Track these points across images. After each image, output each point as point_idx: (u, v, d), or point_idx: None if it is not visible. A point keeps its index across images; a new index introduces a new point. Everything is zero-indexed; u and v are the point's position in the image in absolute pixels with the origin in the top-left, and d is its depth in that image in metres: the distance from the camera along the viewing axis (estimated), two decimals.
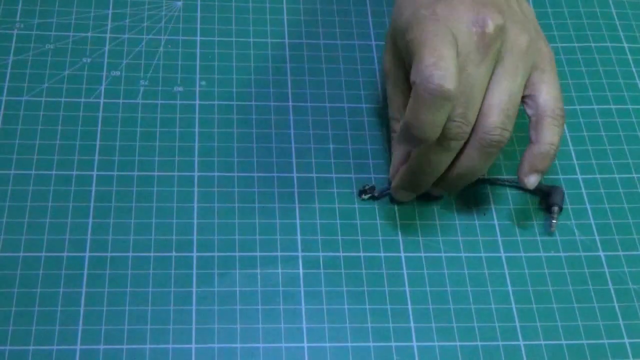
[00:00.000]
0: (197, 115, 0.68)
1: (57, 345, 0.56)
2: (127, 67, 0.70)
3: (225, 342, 0.57)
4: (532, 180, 0.61)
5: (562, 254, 0.63)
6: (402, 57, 0.62)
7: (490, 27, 0.59)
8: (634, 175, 0.68)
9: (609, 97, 0.73)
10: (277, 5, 0.76)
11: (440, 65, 0.55)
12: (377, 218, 0.64)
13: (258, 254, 0.61)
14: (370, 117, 0.69)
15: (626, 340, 0.60)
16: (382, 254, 0.62)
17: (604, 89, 0.73)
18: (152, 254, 0.60)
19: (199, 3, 0.75)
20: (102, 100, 0.68)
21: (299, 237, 0.62)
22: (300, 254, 0.61)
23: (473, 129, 0.60)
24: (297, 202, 0.64)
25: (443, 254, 0.62)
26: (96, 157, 0.65)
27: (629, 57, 0.76)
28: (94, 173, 0.64)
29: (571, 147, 0.69)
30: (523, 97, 0.62)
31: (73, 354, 0.55)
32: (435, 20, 0.59)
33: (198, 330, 0.57)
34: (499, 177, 0.67)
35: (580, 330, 0.60)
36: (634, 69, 0.75)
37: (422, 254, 0.62)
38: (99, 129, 0.66)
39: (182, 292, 0.59)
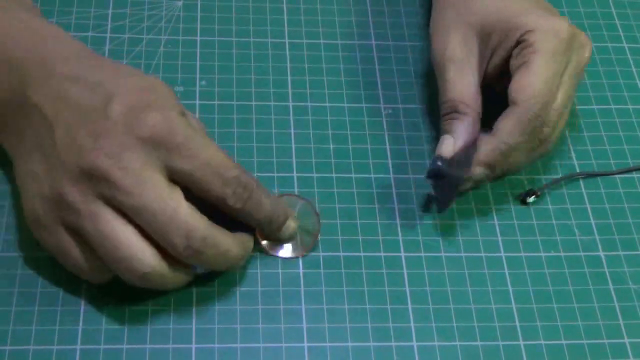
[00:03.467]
0: (197, 115, 0.67)
1: (57, 345, 0.56)
2: None
3: (225, 342, 0.57)
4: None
5: (562, 254, 0.63)
6: (479, 45, 0.65)
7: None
8: (634, 175, 0.68)
9: (609, 97, 0.73)
10: (277, 5, 0.76)
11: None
12: (377, 218, 0.64)
13: (259, 254, 0.61)
14: (371, 117, 0.69)
15: (626, 340, 0.60)
16: (382, 254, 0.62)
17: (604, 89, 0.73)
18: None
19: (199, 3, 0.75)
20: None
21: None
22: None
23: None
24: None
25: (443, 254, 0.62)
26: None
27: (629, 57, 0.76)
28: None
29: (571, 147, 0.69)
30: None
31: (73, 354, 0.55)
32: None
33: (198, 330, 0.57)
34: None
35: (580, 330, 0.60)
36: (634, 69, 0.75)
37: (422, 254, 0.62)
38: None
39: (182, 292, 0.58)
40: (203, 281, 0.59)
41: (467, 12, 0.66)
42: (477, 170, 0.62)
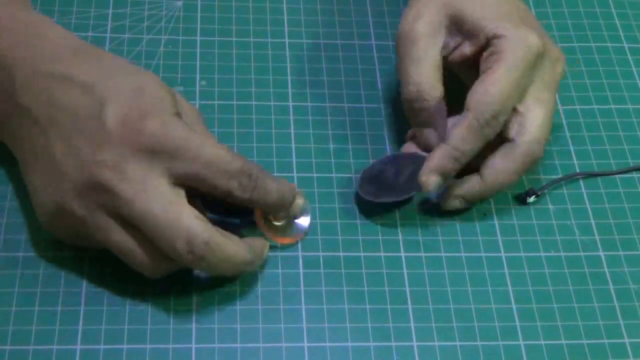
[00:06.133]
0: None
1: (57, 345, 0.56)
2: None
3: (225, 342, 0.57)
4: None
5: (562, 254, 0.63)
6: (449, 30, 0.64)
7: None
8: (634, 175, 0.68)
9: (609, 97, 0.73)
10: (277, 5, 0.76)
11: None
12: (377, 218, 0.64)
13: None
14: (370, 117, 0.69)
15: (626, 340, 0.60)
16: (382, 254, 0.62)
17: (604, 89, 0.73)
18: None
19: (199, 3, 0.75)
20: None
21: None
22: (300, 253, 0.61)
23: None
24: None
25: (443, 254, 0.62)
26: None
27: (629, 57, 0.76)
28: None
29: (571, 147, 0.69)
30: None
31: (73, 354, 0.55)
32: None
33: (198, 330, 0.57)
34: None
35: (580, 330, 0.60)
36: (634, 69, 0.75)
37: (422, 254, 0.62)
38: None
39: (182, 292, 0.58)
40: (203, 281, 0.59)
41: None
42: (431, 179, 0.61)
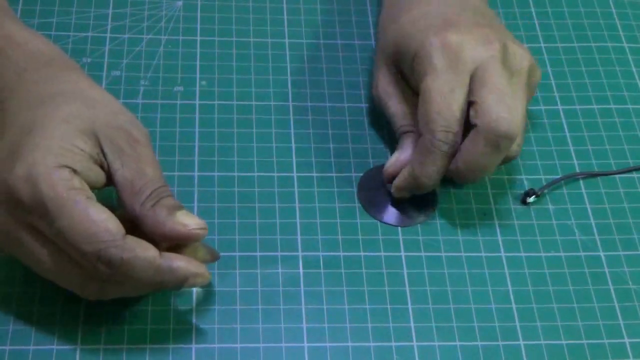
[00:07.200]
0: (197, 115, 0.68)
1: (57, 345, 0.56)
2: (127, 67, 0.70)
3: (225, 342, 0.57)
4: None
5: (562, 254, 0.63)
6: (402, 71, 0.64)
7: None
8: (634, 175, 0.68)
9: (609, 97, 0.73)
10: (277, 5, 0.76)
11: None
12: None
13: (258, 254, 0.61)
14: (370, 117, 0.69)
15: (626, 340, 0.60)
16: (382, 254, 0.62)
17: (604, 89, 0.73)
18: None
19: (199, 3, 0.75)
20: None
21: (299, 237, 0.62)
22: (300, 253, 0.61)
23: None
24: (297, 201, 0.64)
25: (443, 254, 0.62)
26: None
27: (629, 57, 0.76)
28: None
29: (571, 147, 0.69)
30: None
31: (73, 354, 0.55)
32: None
33: (198, 330, 0.57)
34: None
35: (580, 330, 0.60)
36: (634, 69, 0.75)
37: (422, 254, 0.62)
38: None
39: (182, 292, 0.58)
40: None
41: (383, 46, 0.66)
42: (401, 194, 0.63)
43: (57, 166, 0.51)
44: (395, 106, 0.65)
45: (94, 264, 0.51)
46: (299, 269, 0.61)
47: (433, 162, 0.60)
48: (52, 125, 0.53)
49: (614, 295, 0.62)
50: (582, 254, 0.63)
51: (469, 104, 0.60)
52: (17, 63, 0.57)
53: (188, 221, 0.53)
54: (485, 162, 0.60)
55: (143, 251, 0.51)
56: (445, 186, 0.65)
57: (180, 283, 0.53)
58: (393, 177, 0.63)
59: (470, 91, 0.60)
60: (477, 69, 0.61)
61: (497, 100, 0.59)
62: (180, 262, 0.53)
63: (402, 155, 0.63)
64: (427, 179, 0.61)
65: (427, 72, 0.61)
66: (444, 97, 0.60)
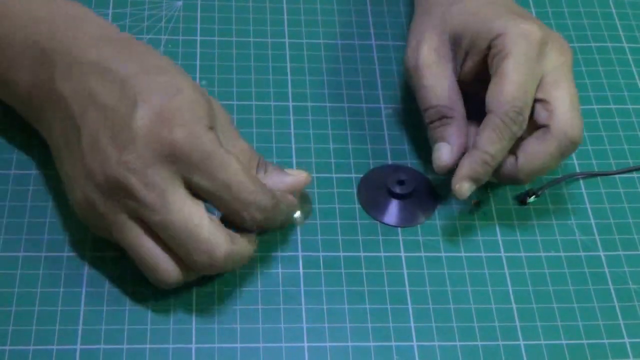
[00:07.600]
0: None
1: (57, 345, 0.56)
2: None
3: (225, 342, 0.57)
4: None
5: (562, 254, 0.63)
6: (452, 51, 0.64)
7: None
8: (634, 175, 0.68)
9: (609, 97, 0.73)
10: (277, 5, 0.76)
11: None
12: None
13: (258, 254, 0.61)
14: (371, 117, 0.69)
15: (626, 340, 0.60)
16: (382, 254, 0.62)
17: (604, 89, 0.73)
18: None
19: (199, 3, 0.75)
20: None
21: (299, 237, 0.62)
22: (300, 254, 0.61)
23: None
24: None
25: (443, 254, 0.62)
26: None
27: (629, 57, 0.76)
28: None
29: None
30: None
31: (73, 354, 0.55)
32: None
33: (198, 330, 0.57)
34: None
35: (580, 330, 0.60)
36: (634, 69, 0.75)
37: (422, 254, 0.62)
38: None
39: (182, 292, 0.58)
40: (203, 281, 0.59)
41: (441, 19, 0.65)
42: (465, 186, 0.61)
43: (209, 127, 0.55)
44: (434, 78, 0.64)
45: (251, 214, 0.56)
46: (299, 269, 0.61)
47: (502, 140, 0.60)
48: (189, 92, 0.55)
49: (614, 295, 0.62)
50: (582, 254, 0.63)
51: (535, 100, 0.62)
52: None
53: (297, 172, 0.60)
54: (550, 164, 0.62)
55: (280, 194, 0.58)
56: (445, 186, 0.65)
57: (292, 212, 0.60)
58: (449, 170, 0.62)
59: (540, 89, 0.62)
60: (553, 69, 0.62)
61: (571, 106, 0.61)
62: (290, 197, 0.59)
63: (455, 145, 0.62)
64: (501, 157, 0.61)
65: (511, 54, 0.61)
66: (523, 83, 0.61)
